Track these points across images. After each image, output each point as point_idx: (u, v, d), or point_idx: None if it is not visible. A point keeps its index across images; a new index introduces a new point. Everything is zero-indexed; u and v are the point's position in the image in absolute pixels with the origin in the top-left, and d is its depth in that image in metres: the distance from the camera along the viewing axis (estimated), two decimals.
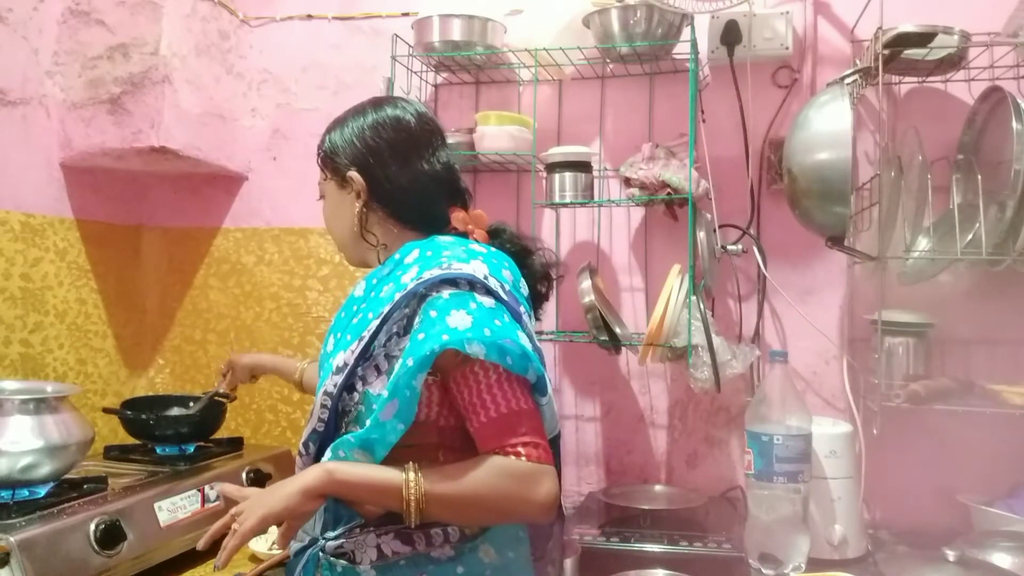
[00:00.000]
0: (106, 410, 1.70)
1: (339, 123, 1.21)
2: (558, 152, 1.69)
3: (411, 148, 1.17)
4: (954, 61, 1.58)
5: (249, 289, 2.05)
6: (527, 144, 1.72)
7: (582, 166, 1.68)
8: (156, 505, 1.36)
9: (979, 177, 1.49)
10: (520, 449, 1.00)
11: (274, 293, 2.04)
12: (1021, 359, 1.60)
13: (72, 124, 1.77)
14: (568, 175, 1.67)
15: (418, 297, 1.06)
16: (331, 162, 1.20)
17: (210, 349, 2.07)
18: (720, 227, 1.71)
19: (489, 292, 1.07)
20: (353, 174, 1.16)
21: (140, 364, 2.07)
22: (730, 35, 1.74)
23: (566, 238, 1.89)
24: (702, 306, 1.56)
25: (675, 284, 1.57)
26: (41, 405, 1.29)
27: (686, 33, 1.67)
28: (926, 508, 1.62)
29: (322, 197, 1.24)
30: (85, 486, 1.35)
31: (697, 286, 1.57)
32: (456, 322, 1.01)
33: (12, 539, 1.11)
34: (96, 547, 1.21)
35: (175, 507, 1.39)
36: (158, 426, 1.64)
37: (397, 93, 1.82)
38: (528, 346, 1.04)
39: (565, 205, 1.74)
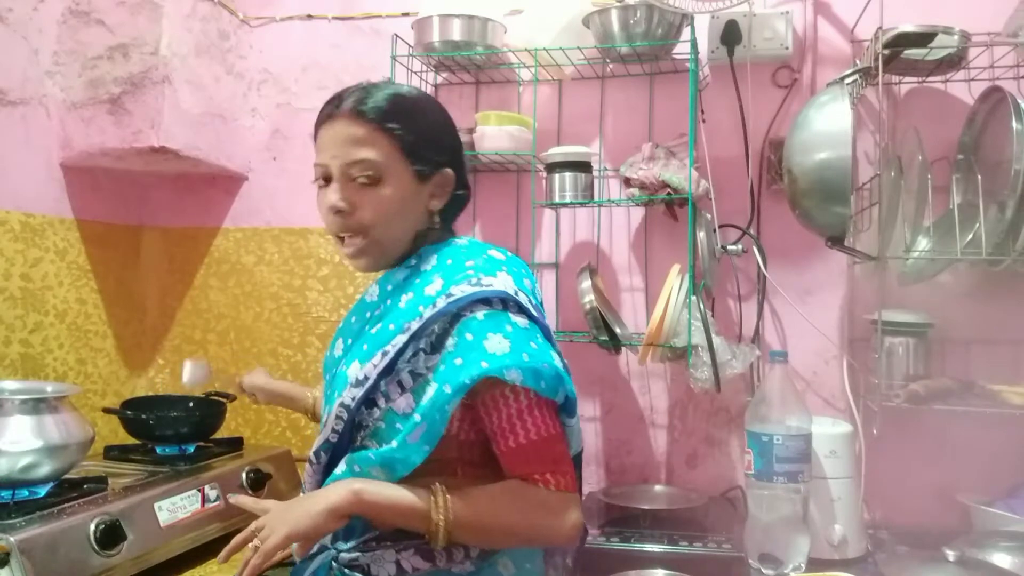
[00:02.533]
0: (106, 410, 1.70)
1: (412, 109, 1.11)
2: (558, 152, 1.69)
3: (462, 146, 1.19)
4: (954, 61, 1.58)
5: (249, 289, 2.05)
6: (527, 144, 1.72)
7: (582, 166, 1.68)
8: (156, 505, 1.36)
9: (979, 177, 1.49)
10: (548, 477, 1.00)
11: (274, 293, 2.04)
12: (1021, 359, 1.60)
13: (72, 124, 1.77)
14: (568, 175, 1.67)
15: (450, 315, 1.03)
16: (419, 151, 1.10)
17: (210, 349, 2.06)
18: (720, 227, 1.71)
19: (521, 309, 1.04)
20: (449, 172, 1.12)
21: (140, 364, 2.07)
22: (730, 35, 1.74)
23: (566, 238, 1.89)
24: (702, 306, 1.56)
25: (675, 284, 1.57)
26: (41, 405, 1.29)
27: (686, 33, 1.67)
28: (926, 508, 1.62)
29: (375, 181, 1.08)
30: (85, 486, 1.35)
31: (697, 286, 1.57)
32: (494, 347, 0.99)
33: (12, 539, 1.11)
34: (96, 547, 1.21)
35: (175, 507, 1.39)
36: (158, 426, 1.64)
37: None
38: (561, 366, 1.02)
39: (565, 205, 1.74)
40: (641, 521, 1.56)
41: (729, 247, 1.70)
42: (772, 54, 1.75)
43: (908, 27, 1.48)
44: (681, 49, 1.73)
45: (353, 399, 1.05)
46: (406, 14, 1.94)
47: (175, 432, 1.64)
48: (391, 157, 1.08)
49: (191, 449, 1.65)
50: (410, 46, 1.80)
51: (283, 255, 2.04)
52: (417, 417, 0.99)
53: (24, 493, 1.28)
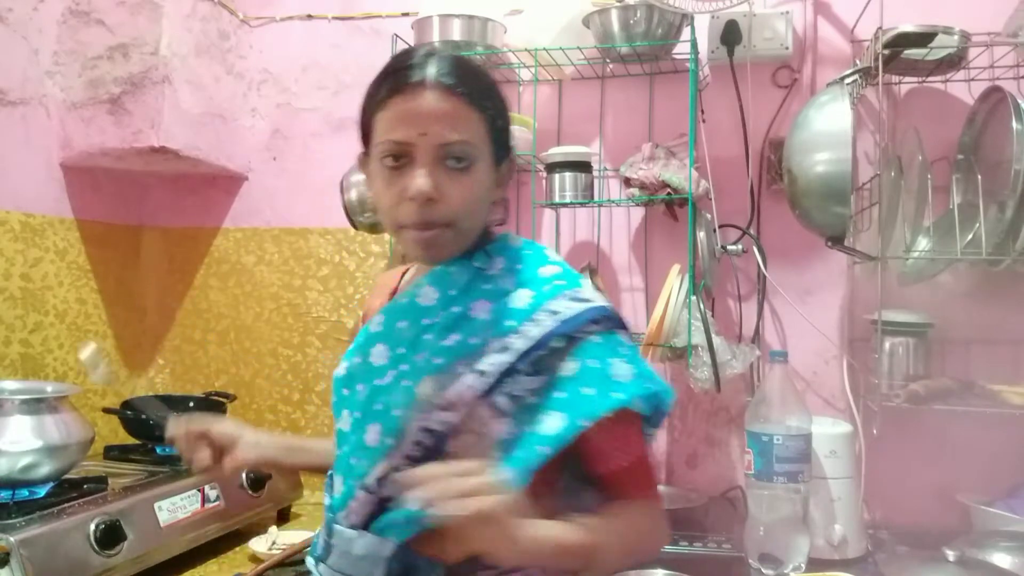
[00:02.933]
0: (106, 410, 1.70)
1: (493, 84, 0.99)
2: (558, 152, 1.69)
3: None
4: (954, 61, 1.58)
5: (249, 289, 2.05)
6: (527, 144, 1.72)
7: (582, 166, 1.68)
8: (156, 505, 1.36)
9: (979, 177, 1.49)
10: (649, 492, 0.99)
11: (274, 293, 2.04)
12: (1021, 359, 1.60)
13: (72, 124, 1.77)
14: (568, 175, 1.67)
15: (563, 336, 0.93)
16: (500, 134, 0.98)
17: (210, 349, 2.07)
18: (720, 227, 1.71)
19: (622, 324, 0.98)
20: (512, 160, 1.02)
21: (140, 364, 2.07)
22: (730, 35, 1.74)
23: (566, 238, 1.89)
24: (702, 306, 1.56)
25: (675, 284, 1.57)
26: (41, 405, 1.29)
27: (686, 33, 1.67)
28: (926, 508, 1.62)
29: (467, 166, 0.94)
30: (85, 486, 1.35)
31: (697, 286, 1.57)
32: (619, 374, 0.92)
33: (12, 539, 1.11)
34: (96, 547, 1.21)
35: (175, 507, 1.39)
36: (158, 426, 1.64)
37: None
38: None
39: (565, 205, 1.74)
40: None
41: (729, 247, 1.70)
42: (772, 54, 1.75)
43: (908, 27, 1.49)
44: (681, 49, 1.73)
45: (443, 423, 0.91)
46: (406, 14, 1.94)
47: None
48: (481, 139, 0.95)
49: None
50: (410, 46, 1.80)
51: (283, 255, 2.04)
52: (546, 449, 0.89)
53: (24, 493, 1.28)
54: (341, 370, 1.03)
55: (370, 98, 0.98)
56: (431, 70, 0.93)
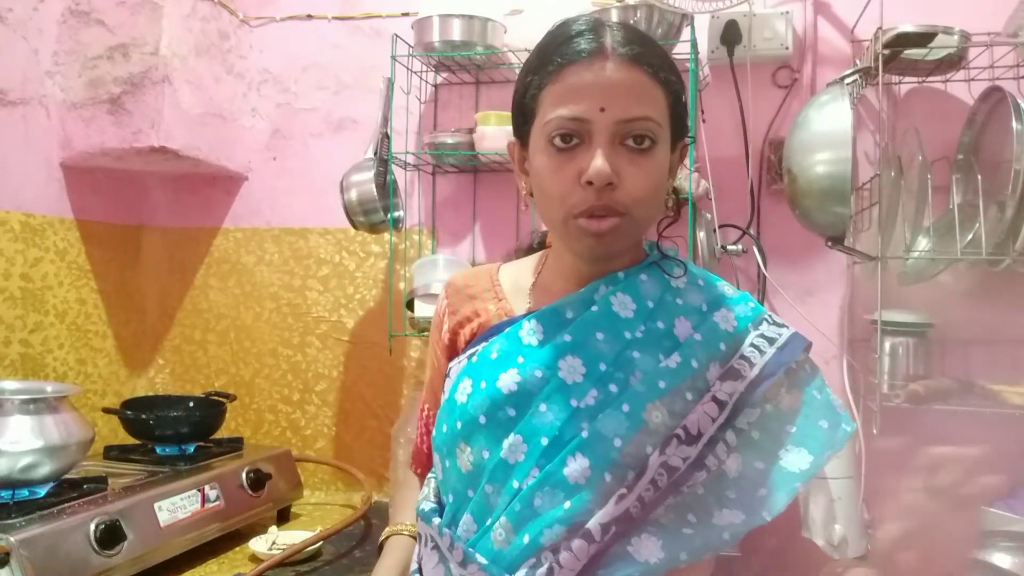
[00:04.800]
0: (106, 410, 1.69)
1: (668, 55, 0.88)
2: None
3: None
4: (954, 61, 1.58)
5: (249, 289, 2.05)
6: None
7: None
8: (156, 505, 1.36)
9: (979, 177, 1.49)
10: None
11: (274, 293, 2.04)
12: (1021, 359, 1.60)
13: (72, 124, 1.77)
14: None
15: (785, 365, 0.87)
16: (680, 112, 0.88)
17: (210, 349, 2.07)
18: (720, 227, 1.71)
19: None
20: (687, 142, 0.92)
21: (140, 364, 2.07)
22: (730, 35, 1.74)
23: None
24: None
25: None
26: (41, 405, 1.29)
27: (686, 33, 1.67)
28: None
29: (648, 147, 0.83)
30: (85, 486, 1.35)
31: None
32: (838, 404, 0.89)
33: (12, 539, 1.11)
34: (96, 547, 1.21)
35: (175, 507, 1.39)
36: (158, 426, 1.64)
37: (397, 93, 1.82)
38: None
39: None
40: None
41: (729, 247, 1.70)
42: (772, 54, 1.75)
43: (908, 27, 1.49)
44: (681, 49, 1.72)
45: (686, 459, 0.81)
46: (406, 14, 1.94)
47: (175, 432, 1.64)
48: (663, 118, 0.85)
49: (191, 449, 1.65)
50: (410, 46, 1.80)
51: (283, 255, 2.04)
52: (802, 487, 0.83)
53: (24, 493, 1.28)
54: (506, 384, 0.86)
55: (532, 73, 0.87)
56: (609, 38, 0.83)
